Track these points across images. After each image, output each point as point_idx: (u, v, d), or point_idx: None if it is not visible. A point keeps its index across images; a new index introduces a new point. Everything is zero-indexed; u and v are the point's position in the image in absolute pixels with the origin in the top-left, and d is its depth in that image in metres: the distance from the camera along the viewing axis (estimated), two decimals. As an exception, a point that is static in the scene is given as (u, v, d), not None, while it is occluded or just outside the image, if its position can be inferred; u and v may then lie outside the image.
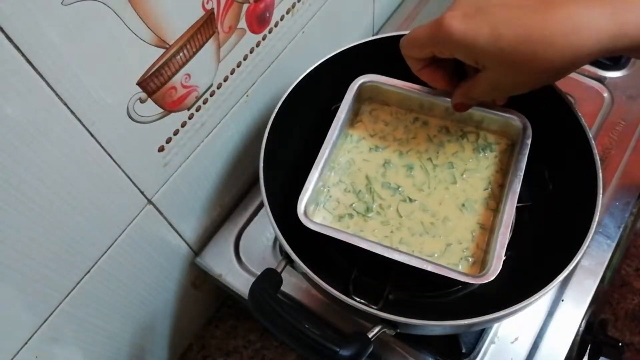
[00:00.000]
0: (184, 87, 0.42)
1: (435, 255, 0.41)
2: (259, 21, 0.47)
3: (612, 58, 0.64)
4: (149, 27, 0.36)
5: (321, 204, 0.44)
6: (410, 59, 0.41)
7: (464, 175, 0.45)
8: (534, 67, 0.34)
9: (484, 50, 0.35)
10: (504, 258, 0.39)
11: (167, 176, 0.46)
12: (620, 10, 0.32)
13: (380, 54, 0.49)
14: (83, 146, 0.36)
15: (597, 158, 0.42)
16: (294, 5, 0.50)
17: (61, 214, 0.37)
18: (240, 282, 0.53)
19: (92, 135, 0.37)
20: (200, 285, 0.60)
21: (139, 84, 0.38)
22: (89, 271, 0.43)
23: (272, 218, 0.41)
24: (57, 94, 0.33)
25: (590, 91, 0.62)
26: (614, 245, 0.53)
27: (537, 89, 0.37)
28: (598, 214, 0.40)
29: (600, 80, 0.63)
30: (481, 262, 0.41)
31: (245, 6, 0.44)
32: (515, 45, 0.34)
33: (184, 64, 0.41)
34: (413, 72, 0.42)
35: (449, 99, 0.44)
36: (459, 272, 0.39)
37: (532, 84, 0.36)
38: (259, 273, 0.40)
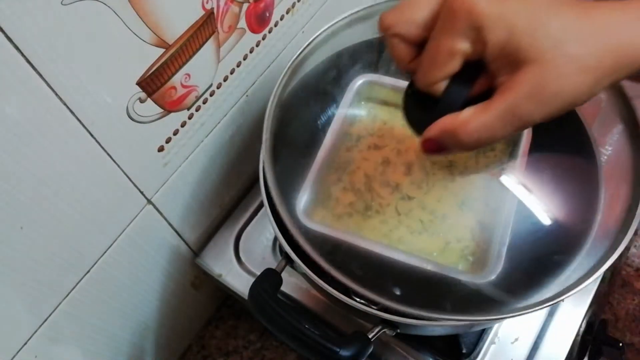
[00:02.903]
0: (184, 87, 0.42)
1: (434, 254, 0.41)
2: (259, 21, 0.47)
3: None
4: (148, 27, 0.36)
5: (320, 204, 0.44)
6: (398, 44, 0.32)
7: (463, 174, 0.45)
8: (584, 64, 0.28)
9: (526, 34, 0.28)
10: (504, 258, 0.39)
11: (166, 176, 0.46)
12: None
13: (380, 54, 0.49)
14: (83, 146, 0.36)
15: (599, 158, 0.42)
16: (293, 5, 0.51)
17: (61, 214, 0.37)
18: (240, 282, 0.53)
19: (91, 135, 0.37)
20: (200, 285, 0.60)
21: (138, 83, 0.38)
22: (88, 271, 0.43)
23: (272, 218, 0.41)
24: (56, 94, 0.33)
25: (591, 91, 0.62)
26: (614, 245, 0.53)
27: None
28: (599, 214, 0.40)
29: (601, 80, 0.63)
30: (481, 261, 0.41)
31: (245, 6, 0.44)
32: (562, 36, 0.28)
33: (184, 63, 0.41)
34: (400, 66, 0.34)
35: None
36: (459, 271, 0.39)
37: (572, 94, 0.29)
38: (259, 273, 0.40)
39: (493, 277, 0.38)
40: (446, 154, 0.33)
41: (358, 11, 0.48)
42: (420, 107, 0.33)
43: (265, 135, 0.45)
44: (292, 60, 0.46)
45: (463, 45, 0.30)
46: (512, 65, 0.29)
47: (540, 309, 0.37)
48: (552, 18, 0.29)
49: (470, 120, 0.30)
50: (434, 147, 0.32)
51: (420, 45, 0.32)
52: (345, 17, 0.48)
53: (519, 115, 0.29)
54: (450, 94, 0.31)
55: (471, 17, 0.29)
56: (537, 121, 0.29)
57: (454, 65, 0.31)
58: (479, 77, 0.31)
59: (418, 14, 0.31)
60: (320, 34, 0.48)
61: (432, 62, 0.31)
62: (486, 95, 0.30)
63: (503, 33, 0.29)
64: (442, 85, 0.32)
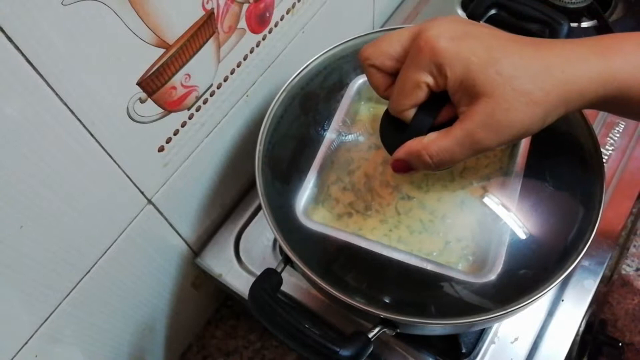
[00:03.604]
0: (184, 87, 0.42)
1: (434, 254, 0.41)
2: (259, 21, 0.47)
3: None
4: (149, 27, 0.36)
5: (320, 203, 0.44)
6: (375, 73, 0.37)
7: (463, 174, 0.45)
8: (532, 98, 0.32)
9: (480, 71, 0.32)
10: (504, 257, 0.39)
11: (167, 176, 0.46)
12: (607, 53, 0.33)
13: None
14: (83, 146, 0.36)
15: (601, 157, 0.42)
16: (294, 5, 0.51)
17: (61, 214, 0.37)
18: (240, 282, 0.53)
19: (92, 135, 0.37)
20: (200, 285, 0.60)
21: (139, 84, 0.38)
22: (88, 271, 0.43)
23: (269, 220, 0.41)
24: (57, 94, 0.33)
25: (590, 91, 0.62)
26: (614, 245, 0.53)
27: None
28: (600, 213, 0.40)
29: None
30: (481, 261, 0.41)
31: (245, 6, 0.44)
32: (512, 72, 0.32)
33: (184, 64, 0.41)
34: (377, 93, 0.38)
35: None
36: (459, 271, 0.39)
37: (523, 125, 0.33)
38: (259, 273, 0.40)
39: (493, 277, 0.38)
40: (413, 173, 0.37)
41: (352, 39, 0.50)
42: (393, 130, 0.37)
43: (259, 147, 0.45)
44: (287, 83, 0.47)
45: (427, 79, 0.34)
46: (470, 97, 0.33)
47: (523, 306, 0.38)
48: (505, 56, 0.32)
49: (432, 143, 0.34)
50: (402, 167, 0.36)
51: (394, 75, 0.36)
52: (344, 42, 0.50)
53: (475, 142, 0.33)
54: (417, 120, 0.36)
55: (433, 55, 0.33)
56: (493, 147, 0.33)
57: (420, 95, 0.34)
58: (444, 106, 0.35)
59: (391, 48, 0.35)
60: (316, 58, 0.49)
61: (401, 92, 0.35)
62: (450, 123, 0.34)
63: (460, 69, 0.32)
64: (411, 113, 0.36)
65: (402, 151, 0.36)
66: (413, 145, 0.35)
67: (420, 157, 0.35)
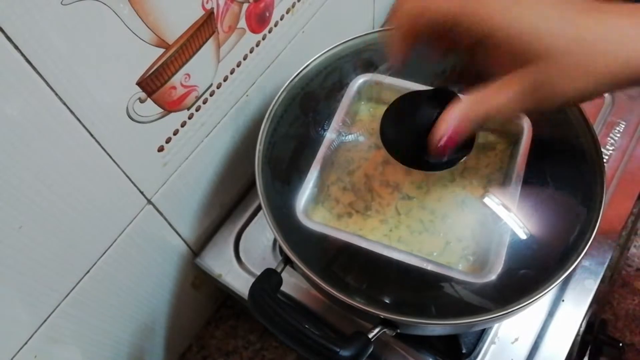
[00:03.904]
0: (184, 86, 0.42)
1: (435, 254, 0.41)
2: (259, 21, 0.47)
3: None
4: (148, 27, 0.36)
5: (320, 203, 0.44)
6: (404, 35, 0.35)
7: (463, 173, 0.44)
8: (590, 69, 0.30)
9: (536, 38, 0.30)
10: (504, 257, 0.39)
11: (166, 176, 0.46)
12: None
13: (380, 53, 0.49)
14: (83, 146, 0.36)
15: (601, 157, 0.42)
16: (293, 5, 0.50)
17: (61, 214, 0.37)
18: (240, 282, 0.53)
19: (91, 135, 0.37)
20: (200, 285, 0.60)
21: (138, 83, 0.38)
22: (88, 271, 0.43)
23: (269, 220, 0.41)
24: (56, 94, 0.33)
25: (591, 91, 0.62)
26: (614, 245, 0.53)
27: None
28: (601, 213, 0.40)
29: (601, 80, 0.62)
30: (481, 261, 0.41)
31: (245, 6, 0.44)
32: (573, 42, 0.30)
33: (184, 63, 0.41)
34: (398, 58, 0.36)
35: None
36: (459, 271, 0.39)
37: (576, 94, 0.32)
38: (258, 273, 0.40)
39: (493, 277, 0.38)
40: (453, 148, 0.35)
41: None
42: (393, 130, 0.38)
43: (259, 147, 0.45)
44: (287, 83, 0.47)
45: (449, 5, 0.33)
46: (522, 60, 0.31)
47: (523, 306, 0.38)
48: (568, 24, 0.31)
49: (480, 104, 0.33)
50: (452, 140, 0.34)
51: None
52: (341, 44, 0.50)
53: (523, 104, 0.32)
54: (420, 117, 0.35)
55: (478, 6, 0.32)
56: (540, 110, 0.33)
57: (420, 13, 0.34)
58: (446, 104, 0.34)
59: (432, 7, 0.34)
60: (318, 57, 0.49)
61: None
62: None
63: (514, 28, 0.31)
64: (395, 41, 0.35)
65: (445, 124, 0.34)
66: (458, 111, 0.34)
67: (465, 120, 0.33)
